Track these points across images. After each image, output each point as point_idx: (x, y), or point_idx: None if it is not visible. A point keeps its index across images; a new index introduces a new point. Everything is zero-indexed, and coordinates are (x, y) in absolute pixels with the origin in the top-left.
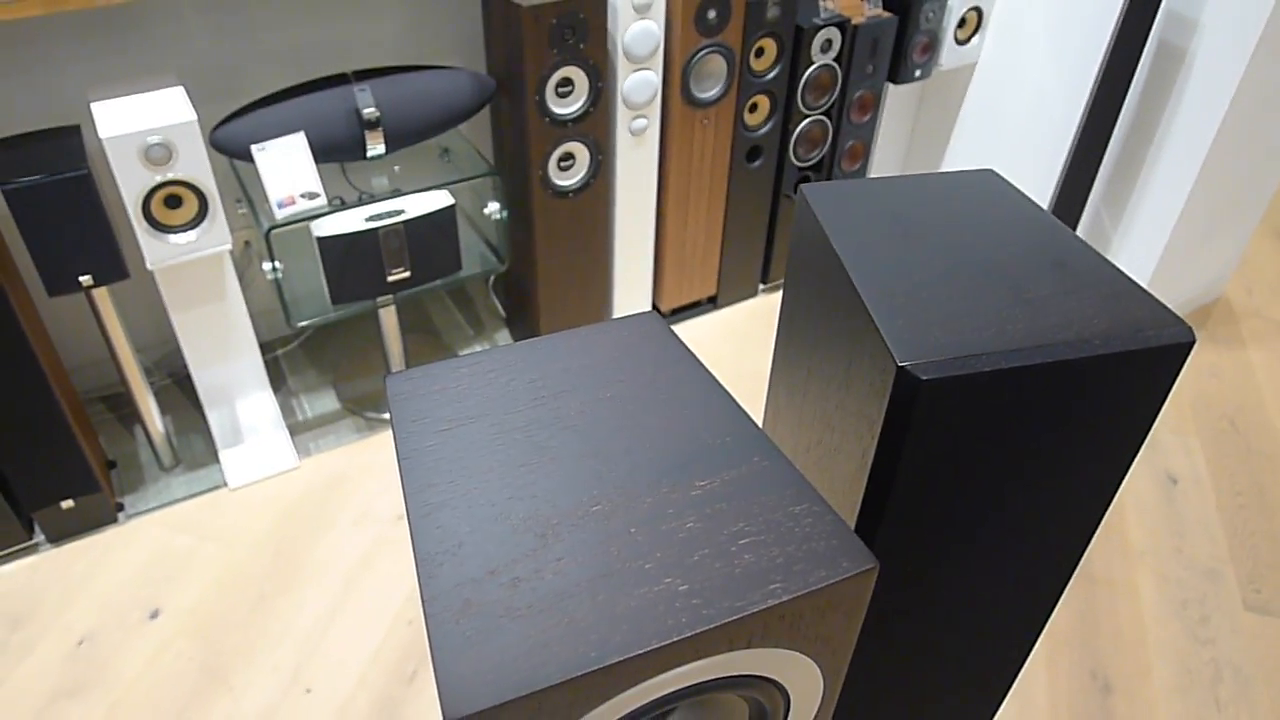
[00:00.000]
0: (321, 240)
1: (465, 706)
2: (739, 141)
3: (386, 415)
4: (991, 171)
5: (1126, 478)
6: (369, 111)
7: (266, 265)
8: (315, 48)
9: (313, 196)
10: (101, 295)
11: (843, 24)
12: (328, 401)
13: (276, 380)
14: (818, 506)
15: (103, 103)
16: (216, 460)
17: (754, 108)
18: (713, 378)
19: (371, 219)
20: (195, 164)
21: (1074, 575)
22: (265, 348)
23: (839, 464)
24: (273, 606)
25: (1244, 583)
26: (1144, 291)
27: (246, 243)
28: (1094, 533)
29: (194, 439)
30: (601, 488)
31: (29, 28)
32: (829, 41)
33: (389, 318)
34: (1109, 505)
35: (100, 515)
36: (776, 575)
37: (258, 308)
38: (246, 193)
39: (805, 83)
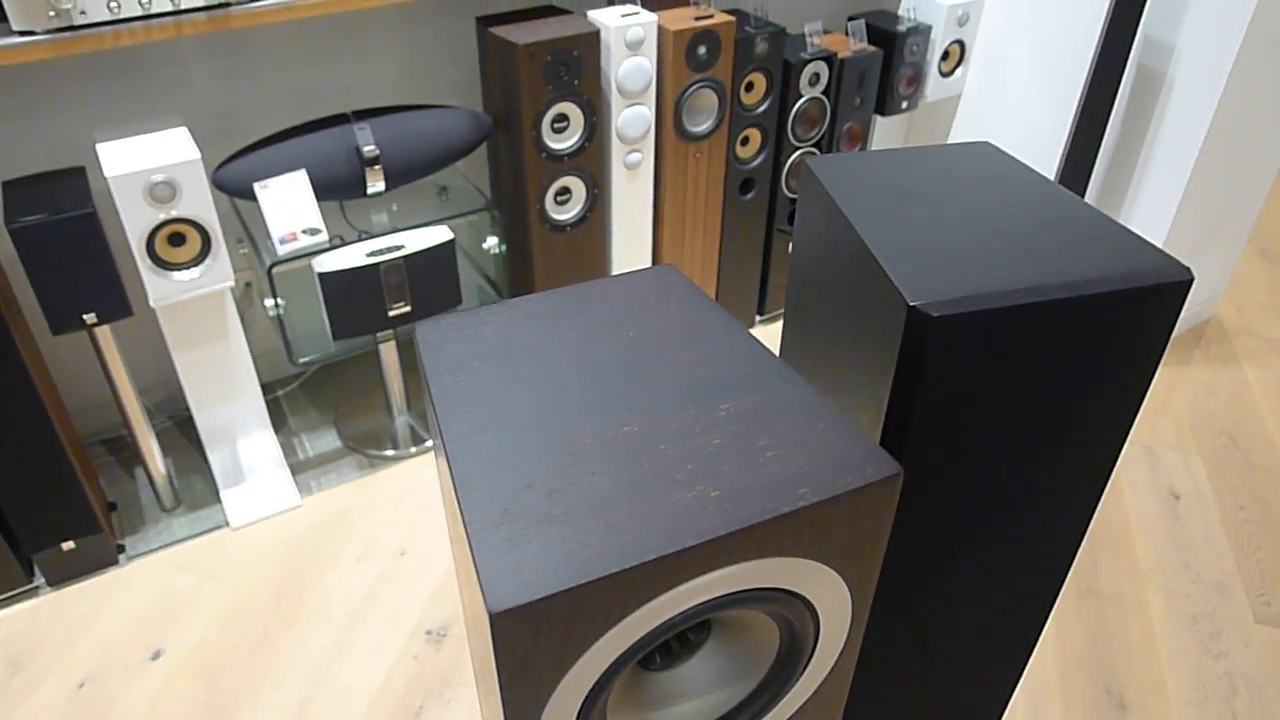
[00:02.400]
0: (323, 276)
1: (508, 600)
2: (731, 174)
3: (389, 452)
4: (988, 143)
5: (1133, 494)
6: (369, 149)
7: (268, 302)
8: (316, 90)
9: (314, 232)
10: (104, 334)
11: (829, 58)
12: (329, 440)
13: (278, 420)
14: (840, 424)
15: (108, 143)
16: (218, 500)
17: (745, 141)
18: (732, 319)
19: (372, 254)
20: (198, 202)
21: (1085, 593)
22: (266, 389)
23: (853, 416)
24: (276, 644)
25: (1253, 596)
26: (1144, 241)
27: (248, 284)
28: (1108, 478)
29: (195, 480)
30: (630, 411)
31: (35, 72)
32: (817, 75)
33: (390, 354)
34: (1121, 449)
35: (101, 557)
36: (804, 482)
37: (259, 349)
38: (249, 232)
39: (795, 115)
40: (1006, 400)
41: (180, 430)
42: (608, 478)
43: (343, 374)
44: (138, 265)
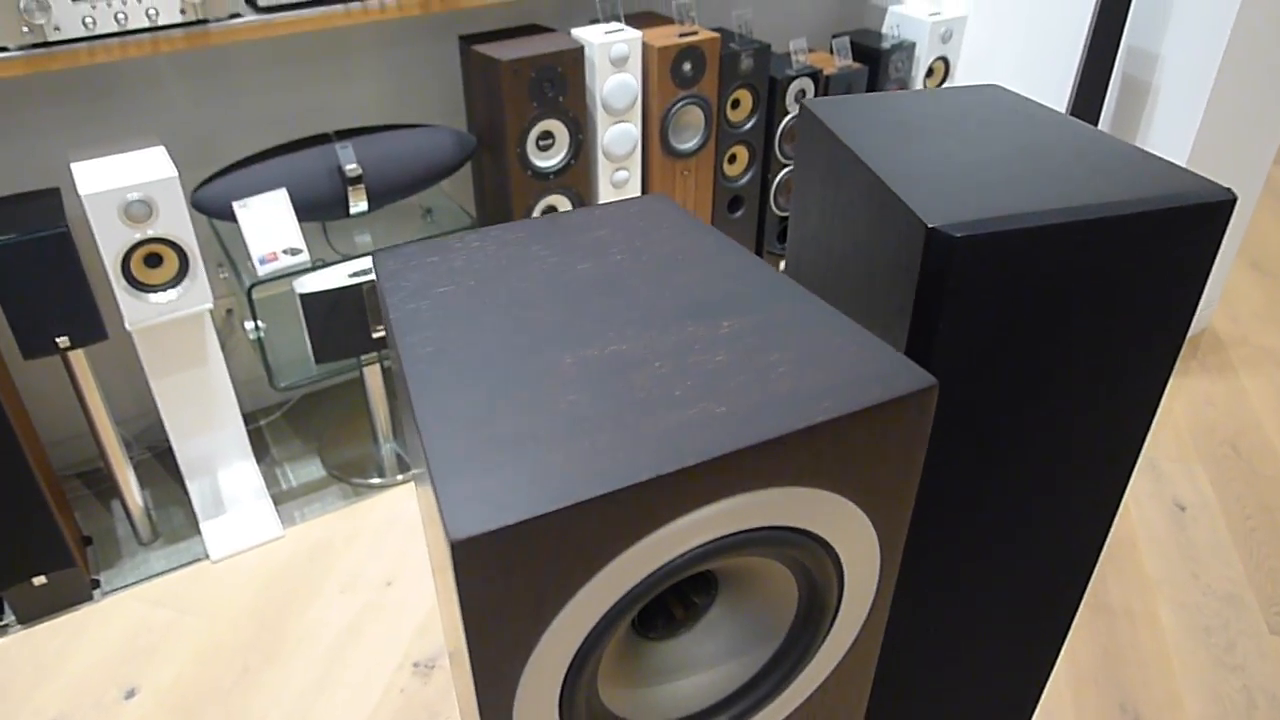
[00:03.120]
0: (304, 297)
1: (473, 525)
2: (720, 192)
3: (374, 480)
4: (997, 85)
5: (1138, 507)
6: (351, 168)
7: (249, 324)
8: (297, 112)
9: (295, 252)
10: (79, 359)
11: (815, 75)
12: (312, 469)
13: (260, 450)
14: (863, 336)
15: (83, 163)
16: (197, 532)
17: (733, 158)
18: (733, 242)
19: (355, 275)
20: (176, 221)
21: (1094, 608)
22: (248, 419)
23: None
24: (257, 680)
25: (1265, 606)
26: (1177, 166)
27: (229, 310)
28: (1149, 427)
29: (174, 511)
30: (617, 331)
31: (9, 92)
32: (803, 91)
33: (374, 378)
34: (1162, 394)
35: (75, 592)
36: (825, 395)
37: (241, 377)
38: (228, 255)
39: (782, 132)
40: (1039, 338)
41: (159, 462)
42: (593, 396)
43: (326, 402)
44: (113, 287)
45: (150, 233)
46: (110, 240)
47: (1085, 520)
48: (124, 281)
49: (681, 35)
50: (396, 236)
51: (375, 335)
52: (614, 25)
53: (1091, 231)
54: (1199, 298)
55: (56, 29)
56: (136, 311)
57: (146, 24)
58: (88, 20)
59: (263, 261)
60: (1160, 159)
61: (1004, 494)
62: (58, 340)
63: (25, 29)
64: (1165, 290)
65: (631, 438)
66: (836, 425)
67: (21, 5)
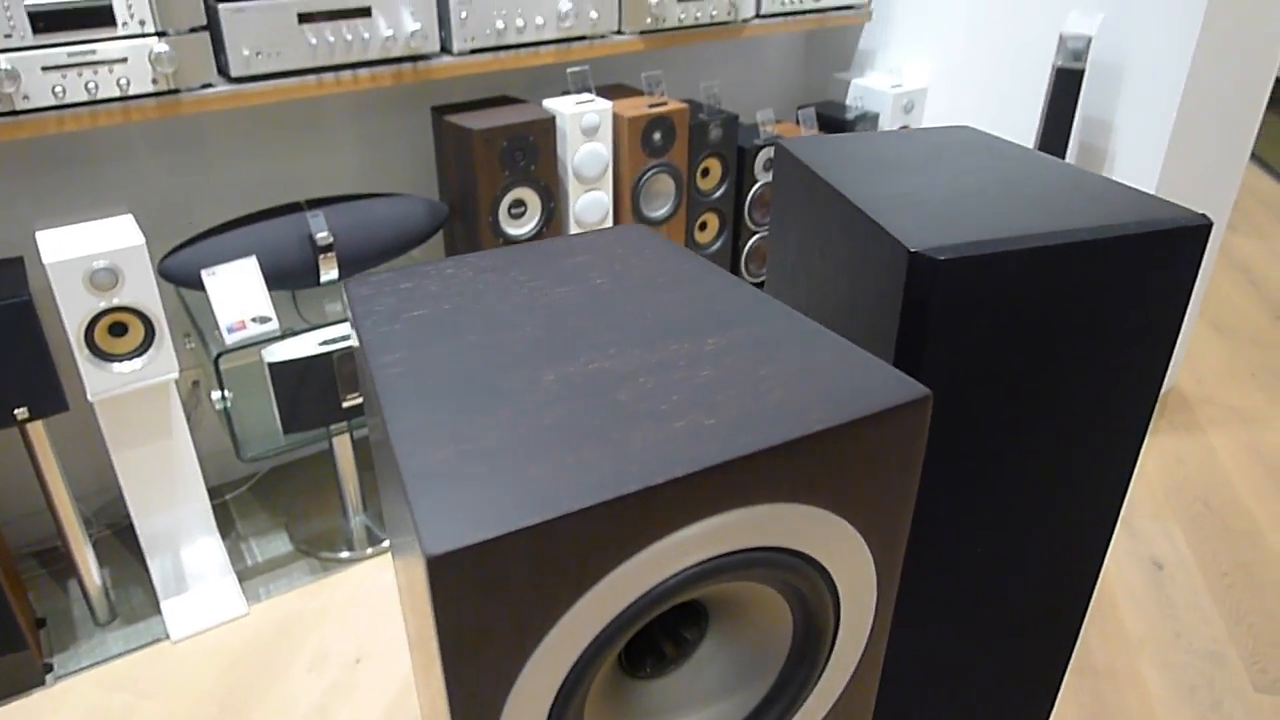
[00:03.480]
0: (273, 366)
1: (450, 540)
2: None
3: (343, 554)
4: (968, 126)
5: (1116, 565)
6: (322, 236)
7: (215, 394)
8: (268, 182)
9: (264, 320)
10: (37, 432)
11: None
12: (279, 544)
13: (225, 525)
14: (853, 351)
15: (48, 231)
16: (158, 611)
17: (704, 226)
18: (715, 266)
19: (325, 343)
20: (142, 289)
21: (1079, 669)
22: (214, 493)
23: None
24: None
25: (1249, 663)
26: (1153, 196)
27: (195, 383)
28: (1138, 452)
29: (133, 590)
30: (600, 346)
31: None
32: (770, 160)
33: (344, 448)
34: (1150, 416)
35: (25, 678)
36: (816, 407)
37: (206, 451)
38: (196, 325)
39: (751, 200)
40: (1025, 363)
41: (119, 539)
42: (576, 411)
43: (295, 475)
44: (75, 356)
45: (115, 301)
46: (74, 309)
47: (1071, 570)
48: (87, 351)
49: (651, 106)
50: None
51: (346, 404)
52: (585, 96)
53: (1072, 255)
54: (1179, 324)
55: (25, 98)
56: (99, 381)
57: (117, 93)
58: (57, 90)
59: (231, 330)
60: (1134, 189)
61: (991, 528)
62: (16, 412)
63: None
64: (1147, 315)
65: (617, 450)
66: (829, 437)
67: None
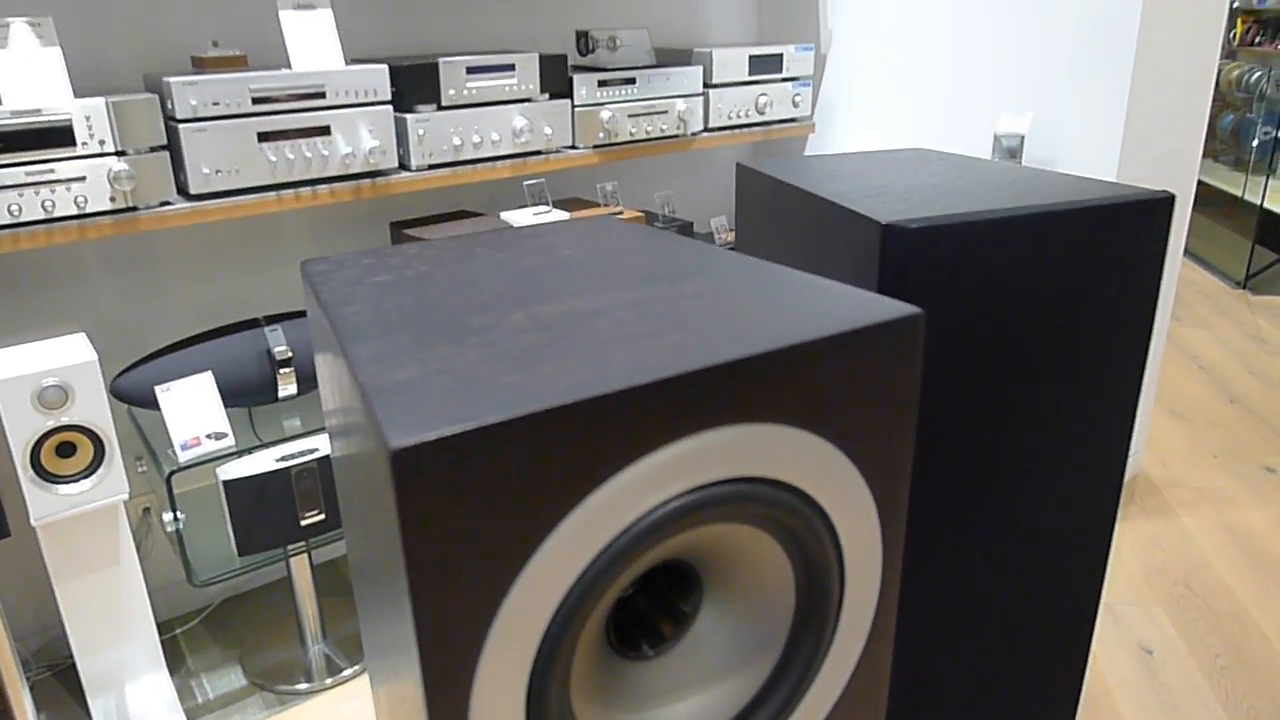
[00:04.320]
0: (228, 484)
1: (416, 431)
2: None
3: (301, 686)
4: (922, 148)
5: (1105, 654)
6: (280, 350)
7: (167, 516)
8: (226, 301)
9: (220, 437)
10: None
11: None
12: (232, 679)
13: (175, 660)
14: (837, 287)
15: None
16: None
17: None
18: (688, 238)
19: (283, 459)
20: (93, 407)
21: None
22: (163, 627)
23: None
24: None
25: None
26: (1120, 184)
27: (145, 510)
28: (1134, 417)
29: None
30: (573, 293)
31: None
32: None
33: (302, 570)
34: (1140, 386)
35: None
36: (803, 324)
37: (156, 583)
38: (149, 446)
39: None
40: (1003, 338)
41: (59, 680)
42: (551, 337)
43: (250, 605)
44: (19, 478)
45: (64, 420)
46: (20, 428)
47: (1061, 646)
48: (32, 472)
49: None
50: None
51: (304, 522)
52: (542, 208)
53: (1041, 225)
54: (1155, 302)
55: None
56: (44, 505)
57: (75, 211)
58: (13, 208)
59: (185, 447)
60: (1096, 179)
61: (981, 540)
62: None
63: None
64: (1121, 289)
65: (597, 362)
66: (816, 351)
67: None
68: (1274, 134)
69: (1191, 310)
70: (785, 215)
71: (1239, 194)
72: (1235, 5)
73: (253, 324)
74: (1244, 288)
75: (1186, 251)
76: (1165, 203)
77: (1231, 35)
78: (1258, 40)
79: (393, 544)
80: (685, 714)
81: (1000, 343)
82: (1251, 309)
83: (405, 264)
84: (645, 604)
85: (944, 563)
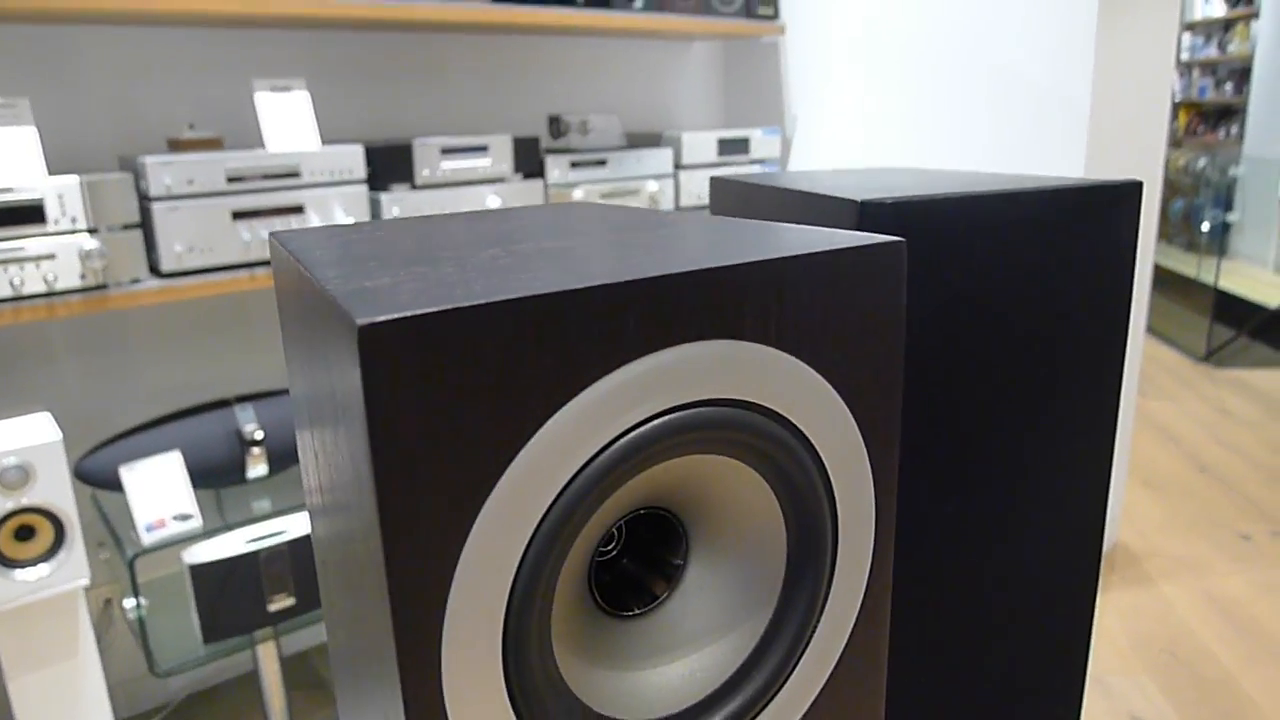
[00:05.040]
0: (194, 568)
1: (385, 309)
2: None
3: None
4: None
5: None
6: (250, 428)
7: (128, 602)
8: (196, 381)
9: (186, 518)
10: None
11: None
12: None
13: None
14: (817, 230)
15: None
16: None
17: None
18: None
19: (252, 541)
20: (55, 489)
21: None
22: None
23: None
24: None
25: None
26: (1080, 177)
27: (107, 601)
28: (1115, 423)
29: None
30: (548, 237)
31: None
32: None
33: (269, 659)
34: (1121, 374)
35: None
36: (782, 246)
37: (116, 678)
38: (113, 532)
39: None
40: (982, 323)
41: None
42: (524, 259)
43: (216, 701)
44: None
45: (25, 501)
46: None
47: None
48: None
49: None
50: (298, 499)
51: (272, 608)
52: None
53: (1012, 203)
54: (1130, 290)
55: None
56: (1, 589)
57: (44, 289)
58: None
59: (149, 529)
60: (1065, 177)
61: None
62: None
63: None
64: (1096, 275)
65: (573, 268)
66: (797, 268)
67: None
68: (1222, 218)
69: (1156, 385)
70: (759, 212)
71: (1194, 274)
72: (1178, 100)
73: (223, 404)
74: (1206, 362)
75: (1148, 329)
76: (1134, 188)
77: (1176, 126)
78: (1199, 130)
79: (360, 459)
80: (678, 675)
81: (977, 327)
82: (1214, 382)
83: (378, 228)
84: (632, 564)
85: (923, 632)
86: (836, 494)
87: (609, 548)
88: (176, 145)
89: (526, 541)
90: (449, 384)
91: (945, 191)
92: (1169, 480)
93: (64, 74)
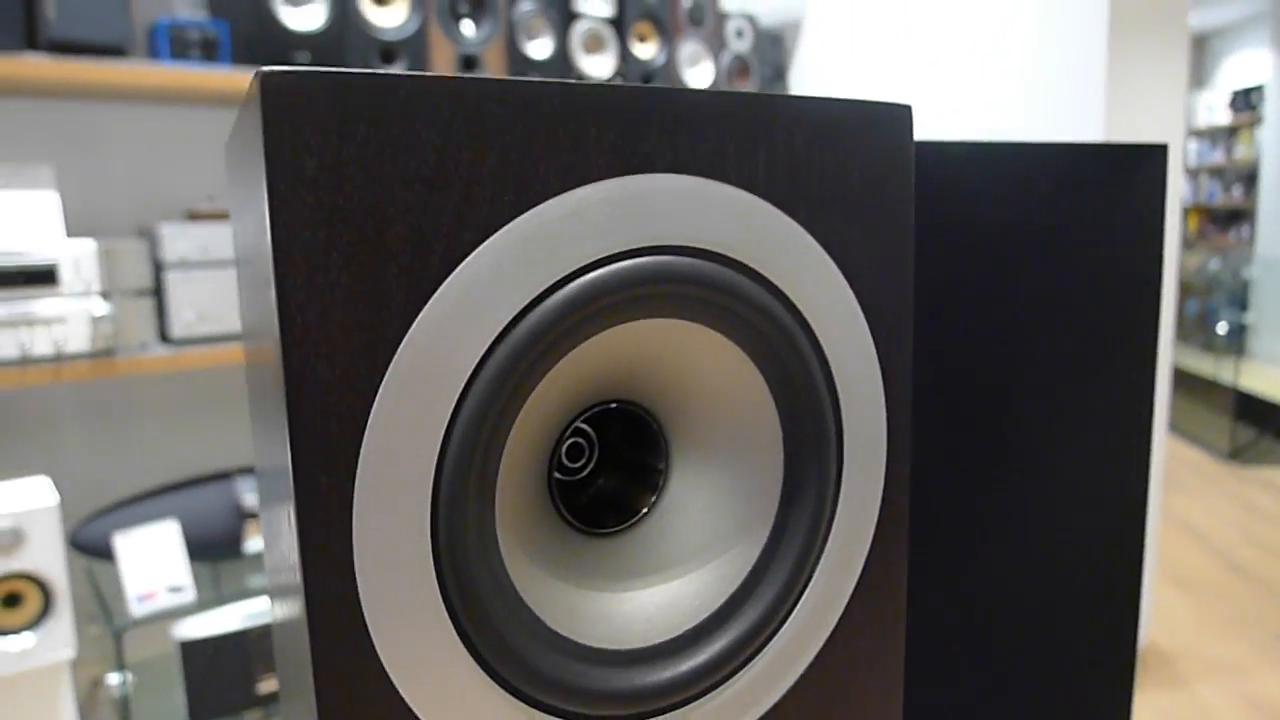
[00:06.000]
0: (184, 644)
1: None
2: None
3: None
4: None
5: None
6: (250, 500)
7: (114, 677)
8: (200, 452)
9: (178, 590)
10: None
11: None
12: None
13: None
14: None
15: None
16: None
17: None
18: None
19: (247, 618)
20: (47, 555)
21: None
22: None
23: None
24: None
25: None
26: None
27: (95, 682)
28: (1154, 364)
29: None
30: None
31: None
32: None
33: None
34: (1155, 362)
35: None
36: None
37: None
38: (104, 605)
39: None
40: (998, 269)
41: None
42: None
43: None
44: None
45: (15, 566)
46: None
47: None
48: None
49: None
50: None
51: (261, 689)
52: None
53: (1035, 158)
54: (1160, 256)
55: None
56: None
57: (52, 352)
58: None
59: (140, 599)
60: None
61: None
62: None
63: None
64: (1122, 244)
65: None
66: (787, 110)
67: None
68: (1238, 319)
69: (1182, 484)
70: None
71: (1212, 374)
72: (1187, 205)
73: (224, 476)
74: (1231, 460)
75: (1171, 428)
76: (1159, 150)
77: (1186, 229)
78: (1210, 233)
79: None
80: (654, 604)
81: (996, 281)
82: (1241, 481)
83: None
84: (609, 483)
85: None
86: (839, 387)
87: (580, 464)
88: (195, 216)
89: (460, 388)
90: (367, 172)
91: (972, 140)
92: (1200, 579)
93: (92, 145)
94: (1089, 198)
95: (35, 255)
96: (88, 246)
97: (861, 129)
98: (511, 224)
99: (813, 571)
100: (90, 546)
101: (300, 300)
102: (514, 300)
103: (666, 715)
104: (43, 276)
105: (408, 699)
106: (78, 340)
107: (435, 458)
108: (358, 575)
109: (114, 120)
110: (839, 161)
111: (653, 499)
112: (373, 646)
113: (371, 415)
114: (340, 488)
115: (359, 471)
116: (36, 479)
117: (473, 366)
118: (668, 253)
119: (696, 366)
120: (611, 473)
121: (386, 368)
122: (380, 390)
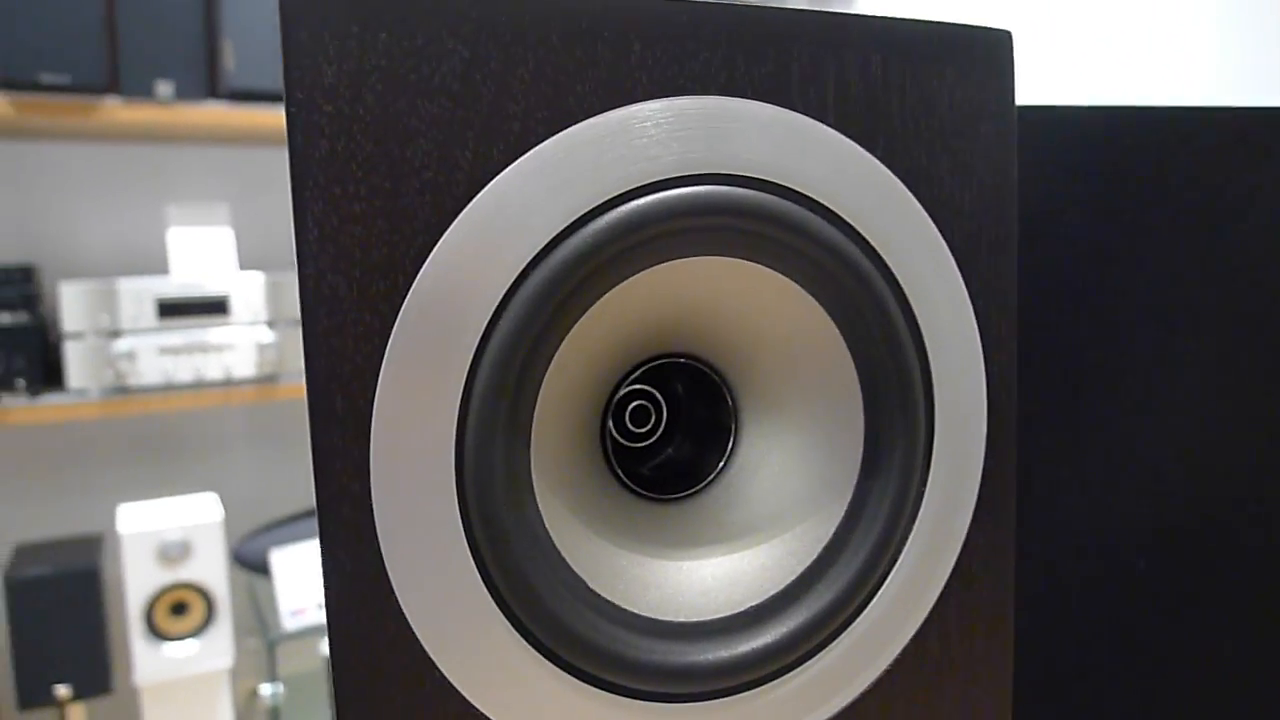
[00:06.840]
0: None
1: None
2: None
3: None
4: None
5: None
6: None
7: (266, 688)
8: None
9: None
10: (75, 716)
11: None
12: None
13: None
14: None
15: (129, 504)
16: None
17: None
18: None
19: None
20: (211, 566)
21: None
22: None
23: None
24: None
25: None
26: None
27: (252, 692)
28: None
29: None
30: None
31: (76, 440)
32: None
33: None
34: None
35: None
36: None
37: None
38: (260, 616)
39: None
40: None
41: None
42: None
43: None
44: (129, 633)
45: (183, 576)
46: (140, 581)
47: None
48: (144, 626)
49: None
50: None
51: None
52: None
53: (1190, 121)
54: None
55: (138, 377)
56: (150, 664)
57: (221, 376)
58: (167, 370)
59: (293, 614)
60: None
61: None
62: (58, 688)
63: (110, 373)
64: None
65: None
66: (864, 31)
67: (112, 351)
68: None
69: None
70: None
71: None
72: None
73: None
74: None
75: None
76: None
77: None
78: None
79: None
80: (713, 576)
81: (1145, 267)
82: None
83: None
84: (679, 451)
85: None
86: (928, 344)
87: (646, 429)
88: None
89: (490, 311)
90: (389, 84)
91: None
92: None
93: (264, 185)
94: (1254, 176)
95: (210, 287)
96: (257, 279)
97: (950, 55)
98: (546, 143)
99: (897, 554)
100: (250, 562)
101: (317, 212)
102: (552, 222)
103: (719, 699)
104: (216, 307)
105: (426, 647)
106: (245, 366)
107: (462, 382)
108: (374, 505)
109: (284, 162)
110: (923, 91)
111: (720, 464)
112: (389, 583)
113: (393, 336)
114: (357, 410)
115: (377, 393)
116: (205, 495)
117: (505, 288)
118: (723, 182)
119: (761, 315)
120: (679, 441)
121: (409, 288)
122: (401, 311)
